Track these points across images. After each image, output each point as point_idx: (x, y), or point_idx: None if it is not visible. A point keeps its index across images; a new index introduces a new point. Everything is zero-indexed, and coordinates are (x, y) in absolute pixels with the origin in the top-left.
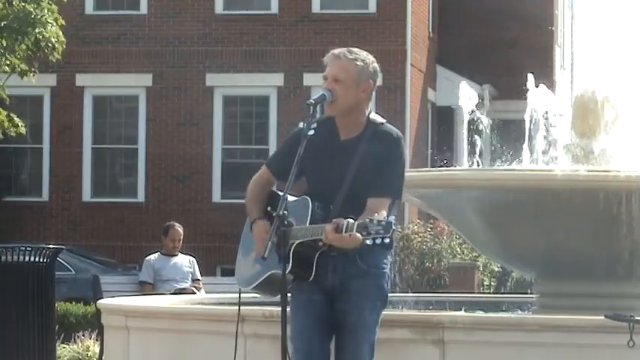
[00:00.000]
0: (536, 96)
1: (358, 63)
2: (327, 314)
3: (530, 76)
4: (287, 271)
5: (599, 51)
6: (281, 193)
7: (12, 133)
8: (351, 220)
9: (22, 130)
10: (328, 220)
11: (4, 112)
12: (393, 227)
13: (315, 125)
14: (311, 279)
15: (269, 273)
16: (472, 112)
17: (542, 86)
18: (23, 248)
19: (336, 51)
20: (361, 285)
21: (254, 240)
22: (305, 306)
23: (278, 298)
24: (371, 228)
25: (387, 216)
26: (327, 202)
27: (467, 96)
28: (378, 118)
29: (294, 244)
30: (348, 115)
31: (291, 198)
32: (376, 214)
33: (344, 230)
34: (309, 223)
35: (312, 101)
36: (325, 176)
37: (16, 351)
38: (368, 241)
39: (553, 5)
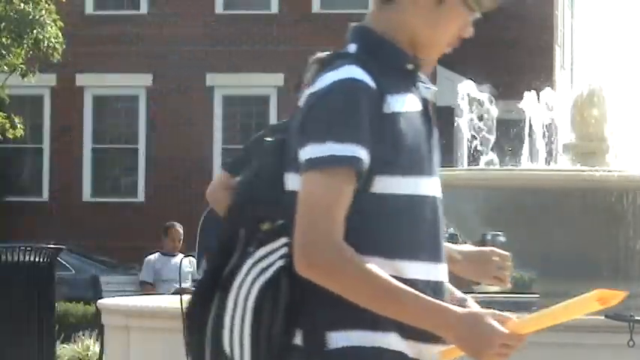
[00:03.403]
0: (533, 104)
1: None
2: None
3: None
4: None
5: (599, 51)
6: None
7: (10, 135)
8: None
9: (19, 132)
10: None
11: (3, 114)
12: None
13: None
14: None
15: None
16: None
17: (547, 89)
18: (23, 248)
19: None
20: None
21: None
22: None
23: None
24: None
25: None
26: None
27: (466, 95)
28: None
29: None
30: None
31: None
32: None
33: None
34: None
35: None
36: None
37: (16, 351)
38: None
39: (553, 5)
